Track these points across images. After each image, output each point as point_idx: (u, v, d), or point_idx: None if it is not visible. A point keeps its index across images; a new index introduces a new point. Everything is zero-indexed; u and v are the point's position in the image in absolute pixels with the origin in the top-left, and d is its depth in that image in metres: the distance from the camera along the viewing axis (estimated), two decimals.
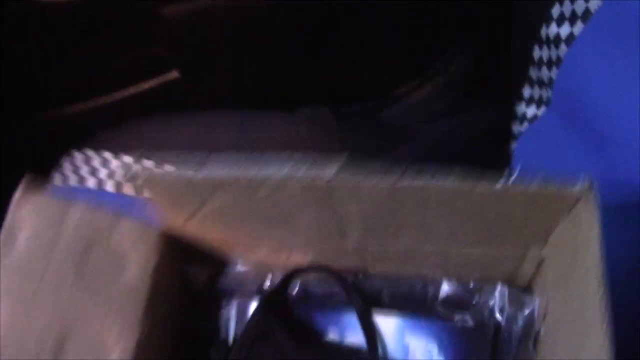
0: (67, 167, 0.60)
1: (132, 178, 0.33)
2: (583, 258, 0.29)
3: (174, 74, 0.60)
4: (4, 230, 0.33)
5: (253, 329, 0.42)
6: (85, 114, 0.63)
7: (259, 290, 0.44)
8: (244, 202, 0.33)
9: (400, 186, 0.30)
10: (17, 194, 0.33)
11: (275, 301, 0.42)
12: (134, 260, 0.36)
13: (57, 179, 0.60)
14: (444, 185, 0.30)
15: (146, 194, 0.34)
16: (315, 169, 0.31)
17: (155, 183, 0.33)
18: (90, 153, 0.61)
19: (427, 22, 0.64)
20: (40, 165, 0.59)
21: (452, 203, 0.31)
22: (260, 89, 0.61)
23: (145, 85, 0.60)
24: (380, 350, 0.41)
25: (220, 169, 0.32)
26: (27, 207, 0.33)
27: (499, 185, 0.29)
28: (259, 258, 0.42)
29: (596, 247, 0.28)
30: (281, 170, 0.31)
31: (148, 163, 0.48)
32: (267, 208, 0.34)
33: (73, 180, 0.59)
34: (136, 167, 0.49)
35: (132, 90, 0.60)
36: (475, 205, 0.31)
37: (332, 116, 0.62)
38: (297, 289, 0.43)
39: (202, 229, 0.37)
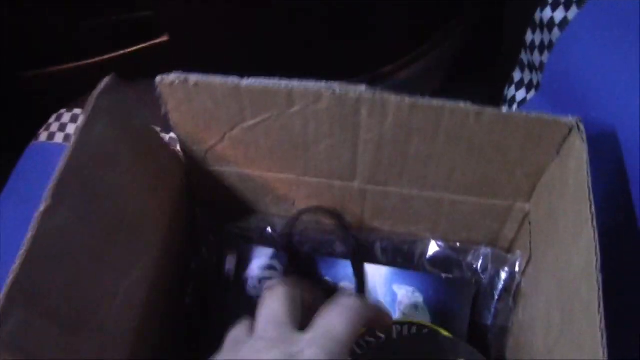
0: (54, 125, 0.62)
1: (173, 83, 0.37)
2: (572, 189, 0.35)
3: (164, 37, 0.63)
4: None
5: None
6: (74, 74, 0.65)
7: (262, 236, 0.47)
8: (279, 118, 0.38)
9: (420, 104, 0.35)
10: None
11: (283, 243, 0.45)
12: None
13: (43, 136, 0.61)
14: (458, 106, 0.35)
15: (178, 110, 0.38)
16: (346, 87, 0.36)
17: (203, 87, 0.36)
18: (78, 111, 0.63)
19: (418, 1, 0.69)
20: (29, 123, 0.61)
21: (460, 129, 0.36)
22: (249, 59, 0.64)
23: (135, 47, 0.63)
24: (369, 294, 0.45)
25: (262, 81, 0.36)
26: None
27: (505, 109, 0.35)
28: (269, 200, 0.45)
29: (584, 174, 0.33)
30: (318, 85, 0.36)
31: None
32: (297, 127, 0.38)
33: (59, 138, 0.61)
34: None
35: (122, 51, 0.63)
36: (480, 134, 0.36)
37: None
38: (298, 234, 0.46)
39: (230, 151, 0.41)
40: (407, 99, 0.35)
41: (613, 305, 0.29)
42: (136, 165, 0.38)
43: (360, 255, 0.45)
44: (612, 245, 0.33)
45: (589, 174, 0.32)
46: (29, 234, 0.28)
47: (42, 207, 0.29)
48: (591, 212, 0.31)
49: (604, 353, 0.27)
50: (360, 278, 0.44)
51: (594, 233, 0.30)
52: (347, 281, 0.45)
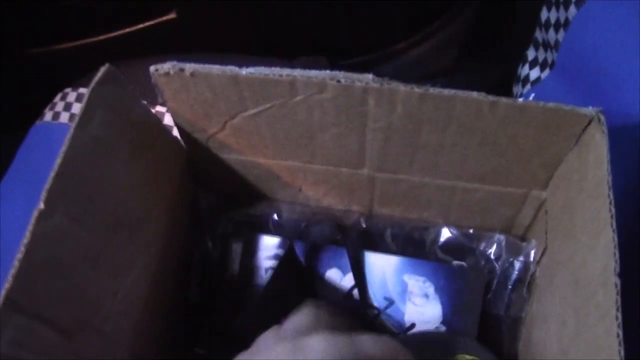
0: (59, 104, 0.61)
1: (168, 73, 0.35)
2: (591, 184, 0.33)
3: (171, 15, 0.61)
4: None
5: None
6: (81, 51, 0.64)
7: (268, 223, 0.46)
8: (281, 108, 0.36)
9: (431, 93, 0.33)
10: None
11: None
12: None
13: (48, 116, 0.61)
14: (470, 96, 0.33)
15: (175, 99, 0.37)
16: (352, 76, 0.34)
17: (200, 77, 0.35)
18: (83, 90, 0.62)
19: None
20: (34, 102, 0.60)
21: (473, 120, 0.35)
22: (259, 35, 0.63)
23: (142, 24, 0.62)
24: (372, 289, 0.44)
25: (262, 70, 0.34)
26: None
27: (520, 100, 0.33)
28: (273, 186, 0.45)
29: (604, 170, 0.31)
30: (322, 75, 0.34)
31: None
32: (301, 116, 0.37)
33: (64, 118, 0.60)
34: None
35: (129, 29, 0.62)
36: (494, 125, 0.35)
37: (330, 66, 0.64)
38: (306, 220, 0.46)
39: (232, 139, 0.40)
40: (417, 89, 0.33)
41: (631, 309, 0.28)
42: (135, 158, 0.37)
43: (363, 250, 0.44)
44: (630, 245, 0.32)
45: (609, 171, 0.31)
46: (25, 239, 0.28)
47: (36, 211, 0.29)
48: (611, 212, 0.30)
49: None
50: (360, 277, 0.44)
51: (613, 236, 0.29)
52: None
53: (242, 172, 0.44)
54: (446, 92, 0.33)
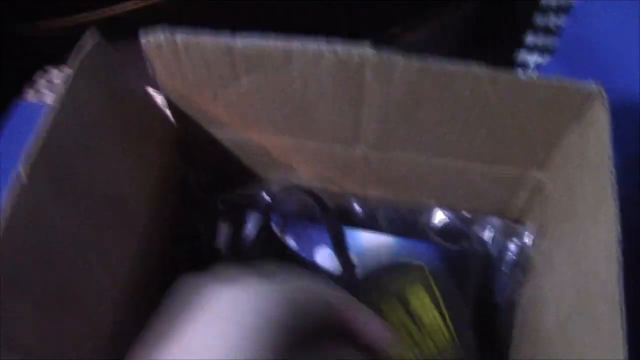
0: (41, 83, 0.60)
1: (160, 45, 0.34)
2: (592, 169, 0.33)
3: None
4: None
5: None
6: (66, 30, 0.62)
7: (256, 204, 0.45)
8: (276, 80, 0.35)
9: (430, 67, 0.33)
10: None
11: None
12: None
13: (31, 95, 0.59)
14: (471, 70, 0.33)
15: (166, 71, 0.35)
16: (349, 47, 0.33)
17: (192, 47, 0.34)
18: (68, 70, 0.61)
19: None
20: (16, 80, 0.59)
21: (473, 95, 0.34)
22: (253, 20, 0.62)
23: (130, 5, 0.60)
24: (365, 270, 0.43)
25: (257, 41, 0.34)
26: None
27: (522, 75, 0.33)
28: (264, 166, 0.44)
29: (606, 146, 0.31)
30: (318, 45, 0.33)
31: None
32: (296, 89, 0.36)
33: (48, 97, 0.59)
34: None
35: (116, 10, 0.61)
36: (494, 100, 0.34)
37: None
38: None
39: (224, 114, 0.39)
40: (416, 62, 0.33)
41: (635, 288, 0.28)
42: (123, 132, 0.36)
43: (342, 233, 0.44)
44: (634, 223, 0.31)
45: (612, 147, 0.30)
46: (5, 214, 0.27)
47: (17, 186, 0.27)
48: (612, 189, 0.29)
49: (623, 336, 0.25)
50: (346, 262, 0.43)
51: (616, 211, 0.29)
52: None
53: (234, 150, 0.43)
54: (447, 65, 0.33)
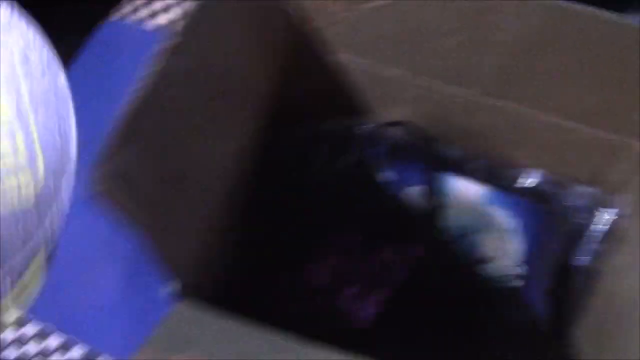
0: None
1: None
2: None
3: None
4: None
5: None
6: None
7: (350, 136, 0.46)
8: (399, 7, 0.36)
9: (572, 9, 0.33)
10: None
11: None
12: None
13: (127, 8, 0.61)
14: (602, 15, 0.33)
15: None
16: None
17: None
18: None
19: None
20: None
21: (597, 42, 0.34)
22: None
23: None
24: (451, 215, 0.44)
25: None
26: None
27: None
28: (366, 100, 0.44)
29: None
30: None
31: None
32: (419, 17, 0.36)
33: (144, 13, 0.60)
34: None
35: None
36: (617, 51, 0.34)
37: None
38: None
39: (342, 34, 0.39)
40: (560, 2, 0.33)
41: None
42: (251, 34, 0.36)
43: (436, 175, 0.44)
44: None
45: None
46: (153, 69, 0.28)
47: (169, 44, 0.28)
48: None
49: None
50: (435, 203, 0.43)
51: None
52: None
53: (338, 77, 0.44)
54: (579, 7, 0.33)
